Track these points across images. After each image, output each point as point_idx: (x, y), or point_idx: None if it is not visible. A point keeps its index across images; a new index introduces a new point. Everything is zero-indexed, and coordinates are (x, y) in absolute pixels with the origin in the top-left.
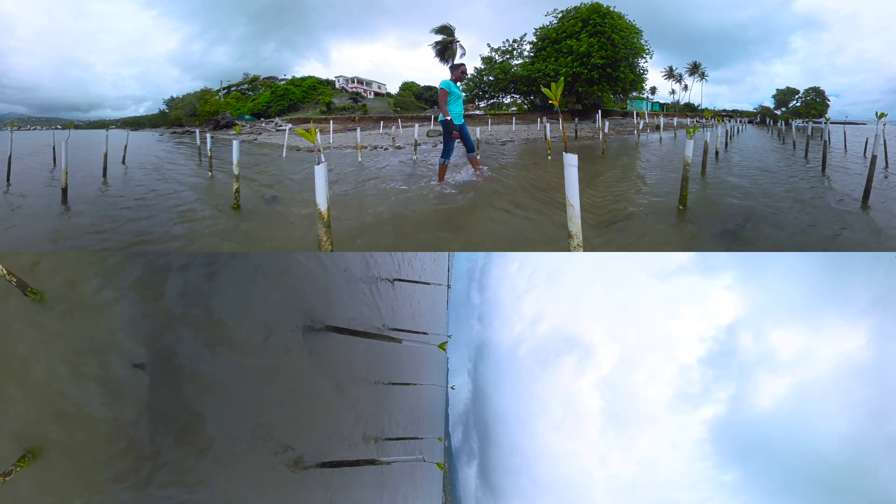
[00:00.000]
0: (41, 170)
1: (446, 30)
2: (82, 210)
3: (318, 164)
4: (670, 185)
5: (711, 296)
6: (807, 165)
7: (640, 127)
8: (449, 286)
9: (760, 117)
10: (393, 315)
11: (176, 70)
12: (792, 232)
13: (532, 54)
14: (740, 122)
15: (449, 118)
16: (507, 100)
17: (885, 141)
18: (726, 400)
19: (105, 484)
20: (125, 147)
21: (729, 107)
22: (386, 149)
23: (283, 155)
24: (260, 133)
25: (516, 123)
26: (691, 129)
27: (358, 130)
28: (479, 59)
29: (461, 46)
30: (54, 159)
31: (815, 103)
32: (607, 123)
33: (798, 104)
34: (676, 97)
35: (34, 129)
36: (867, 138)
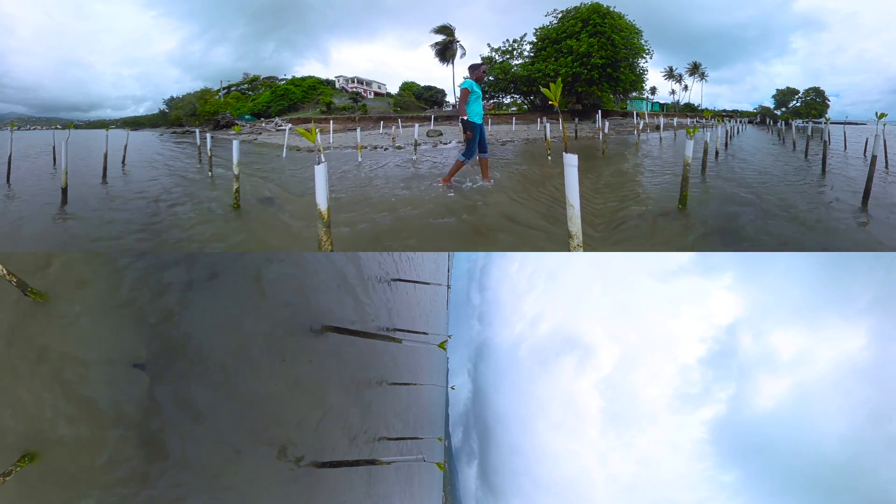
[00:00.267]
0: (41, 170)
1: (446, 30)
2: (82, 210)
3: (319, 164)
4: (670, 185)
5: (711, 296)
6: (807, 165)
7: (640, 127)
8: (449, 286)
9: (760, 117)
10: (393, 315)
11: (176, 70)
12: (792, 232)
13: (532, 54)
14: (740, 122)
15: (466, 117)
16: (507, 100)
17: (885, 141)
18: (726, 400)
19: (105, 484)
20: (125, 147)
21: (729, 107)
22: (386, 149)
23: (283, 155)
24: (260, 133)
25: (516, 123)
26: (691, 130)
27: (358, 130)
28: (479, 58)
29: (461, 46)
30: (54, 159)
31: (815, 103)
32: (607, 123)
33: (798, 104)
34: (676, 97)
35: (34, 129)
36: (867, 138)
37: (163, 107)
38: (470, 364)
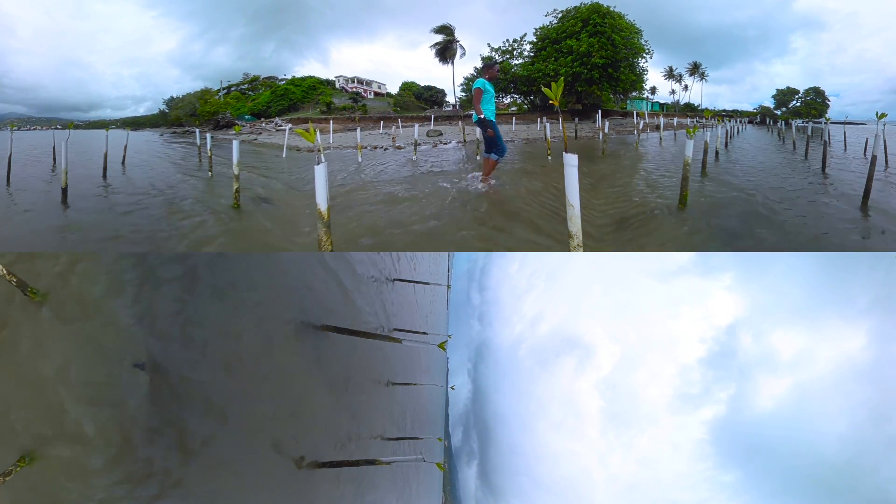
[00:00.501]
0: (41, 170)
1: (446, 30)
2: (82, 210)
3: (318, 164)
4: (670, 185)
5: (711, 296)
6: (807, 165)
7: (640, 127)
8: (449, 286)
9: (760, 117)
10: (393, 315)
11: (176, 70)
12: (792, 232)
13: (532, 54)
14: (740, 122)
15: (483, 116)
16: (508, 100)
17: (884, 141)
18: (726, 400)
19: (105, 484)
20: (125, 147)
21: (729, 107)
22: (386, 149)
23: (283, 155)
24: (260, 133)
25: (516, 123)
26: (691, 130)
27: (358, 130)
28: (480, 58)
29: (461, 46)
30: (54, 159)
31: (815, 103)
32: (607, 123)
33: (798, 104)
34: (676, 97)
35: (34, 129)
36: (867, 138)
37: (163, 107)
38: (470, 364)
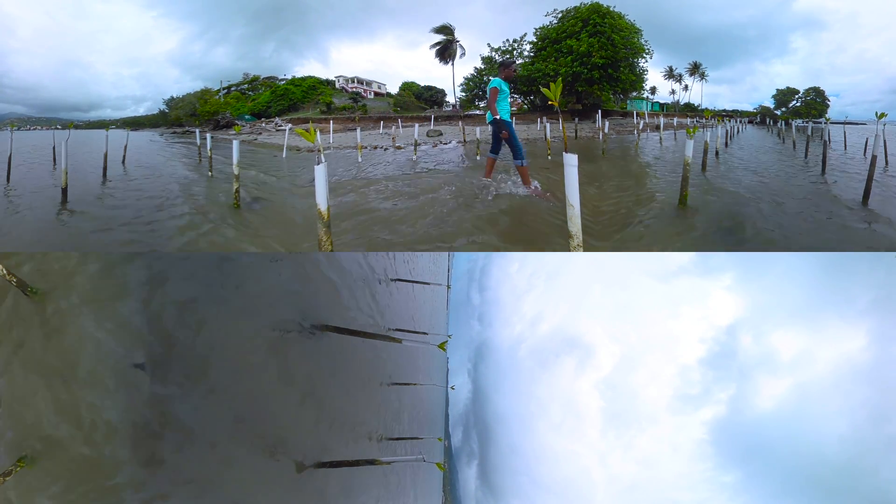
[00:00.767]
0: (41, 170)
1: (446, 30)
2: (82, 210)
3: (318, 164)
4: (670, 184)
5: (711, 296)
6: (807, 165)
7: (640, 127)
8: (449, 286)
9: (760, 117)
10: (393, 315)
11: (176, 70)
12: (792, 232)
13: (532, 54)
14: (740, 122)
15: (498, 117)
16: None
17: (884, 141)
18: (726, 401)
19: (104, 484)
20: (125, 147)
21: (729, 107)
22: (386, 149)
23: (283, 155)
24: (260, 133)
25: (516, 123)
26: (691, 129)
27: (358, 130)
28: (480, 58)
29: (461, 46)
30: (54, 159)
31: (814, 103)
32: (607, 123)
33: (798, 104)
34: (676, 97)
35: (34, 129)
36: (867, 138)
37: (163, 107)
38: (470, 364)
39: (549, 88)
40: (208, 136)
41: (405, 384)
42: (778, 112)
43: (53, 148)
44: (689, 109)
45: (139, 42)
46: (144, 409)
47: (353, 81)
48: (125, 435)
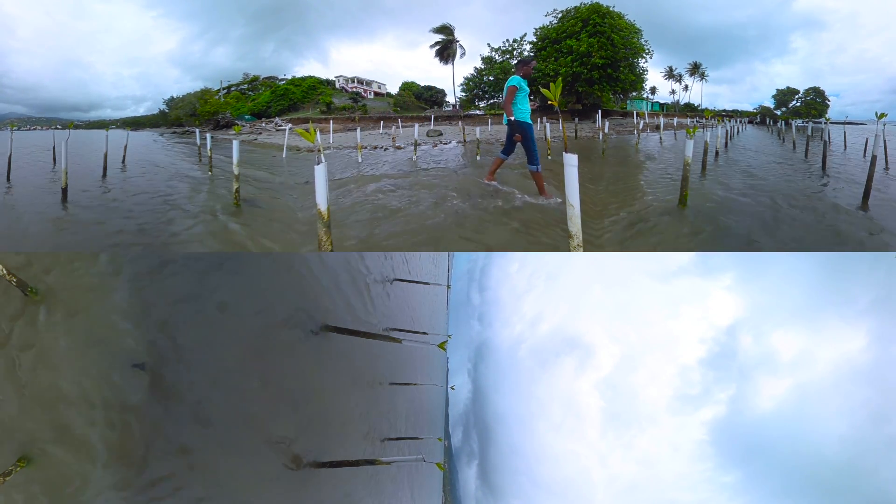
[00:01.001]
0: (41, 170)
1: (446, 30)
2: (82, 210)
3: (318, 164)
4: (670, 185)
5: (711, 297)
6: (807, 165)
7: (640, 127)
8: (449, 286)
9: (760, 117)
10: (393, 315)
11: (176, 70)
12: (792, 232)
13: (532, 54)
14: (740, 122)
15: (513, 118)
16: None
17: (884, 141)
18: (726, 401)
19: (105, 484)
20: (125, 147)
21: (729, 107)
22: (386, 149)
23: (283, 155)
24: (260, 133)
25: None
26: (691, 130)
27: (358, 130)
28: (479, 58)
29: (461, 46)
30: (54, 159)
31: (815, 103)
32: (607, 123)
33: (798, 104)
34: (676, 97)
35: (34, 129)
36: (867, 138)
37: (163, 107)
38: (470, 364)
39: (548, 88)
40: (208, 136)
41: (405, 384)
42: (778, 112)
43: (53, 148)
44: (689, 109)
45: (139, 42)
46: (144, 409)
47: (353, 81)
48: (125, 435)
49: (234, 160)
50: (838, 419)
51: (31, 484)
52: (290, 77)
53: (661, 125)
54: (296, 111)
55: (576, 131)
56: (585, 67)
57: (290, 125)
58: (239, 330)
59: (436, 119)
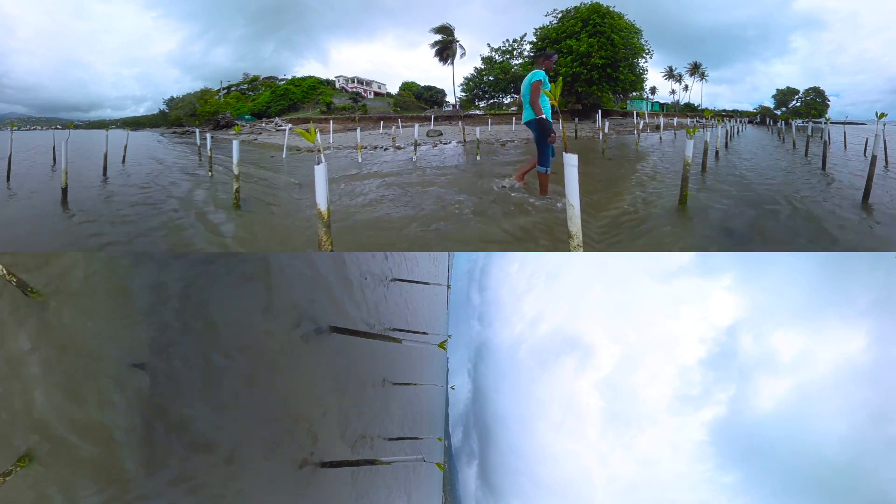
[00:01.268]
0: (41, 170)
1: (446, 30)
2: (82, 210)
3: (318, 164)
4: (670, 185)
5: (711, 297)
6: (807, 165)
7: (640, 127)
8: (449, 286)
9: (760, 117)
10: (393, 315)
11: (176, 70)
12: (792, 232)
13: (532, 54)
14: (740, 122)
15: (543, 116)
16: (508, 100)
17: (885, 141)
18: (727, 401)
19: (105, 484)
20: (125, 147)
21: (729, 107)
22: (386, 149)
23: (283, 155)
24: (260, 133)
25: (516, 123)
26: (691, 129)
27: (358, 130)
28: (480, 59)
29: (461, 46)
30: (54, 159)
31: (815, 103)
32: (607, 123)
33: (798, 104)
34: (676, 97)
35: (34, 129)
36: (867, 138)
37: (163, 107)
38: (470, 364)
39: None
40: (208, 136)
41: (405, 384)
42: (778, 112)
43: (53, 148)
44: (689, 109)
45: (139, 42)
46: (144, 410)
47: (353, 81)
48: (125, 435)
49: (234, 160)
50: (838, 419)
51: (32, 484)
52: (290, 77)
53: (661, 125)
54: (296, 111)
55: (576, 131)
56: (585, 67)
57: (290, 125)
58: (239, 330)
59: (436, 119)
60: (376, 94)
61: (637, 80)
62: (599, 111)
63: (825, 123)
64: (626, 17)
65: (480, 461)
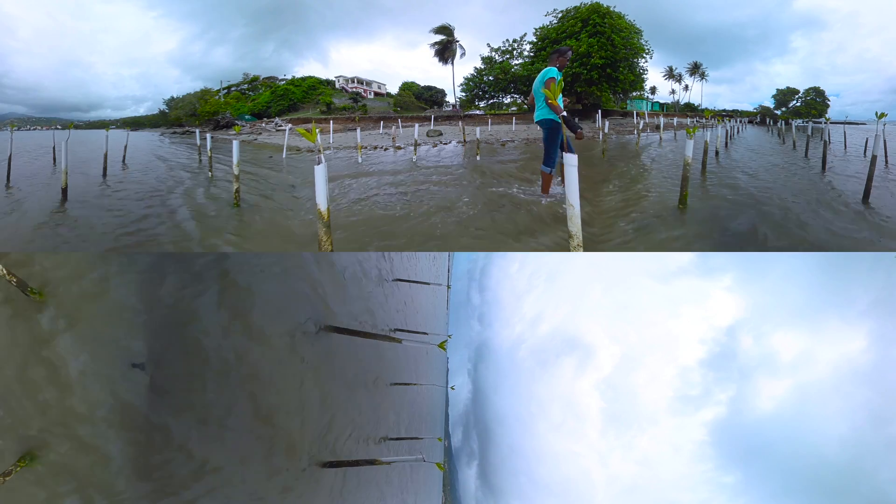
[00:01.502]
0: (41, 170)
1: (445, 30)
2: (82, 210)
3: (318, 164)
4: (670, 185)
5: (711, 297)
6: (807, 165)
7: (640, 127)
8: (449, 286)
9: (760, 117)
10: (393, 315)
11: (176, 70)
12: (792, 232)
13: (532, 54)
14: (740, 121)
15: (564, 115)
16: (508, 100)
17: (884, 141)
18: (727, 402)
19: (104, 484)
20: (125, 147)
21: (729, 107)
22: (386, 149)
23: (283, 155)
24: (260, 133)
25: (516, 123)
26: (691, 129)
27: (358, 131)
28: (479, 58)
29: (461, 46)
30: (54, 159)
31: (815, 103)
32: (607, 123)
33: (798, 104)
34: (676, 97)
35: (34, 130)
36: (867, 138)
37: (163, 107)
38: (470, 364)
39: (548, 88)
40: (208, 136)
41: (405, 384)
42: (778, 112)
43: (53, 148)
44: (689, 109)
45: (139, 42)
46: (143, 410)
47: (353, 81)
48: (125, 435)
49: (234, 160)
50: (838, 420)
51: (32, 483)
52: (290, 77)
53: (661, 125)
54: (296, 111)
55: None
56: (585, 68)
57: (290, 125)
58: (239, 330)
59: (436, 119)
60: (376, 94)
61: (637, 80)
62: (599, 111)
63: (825, 123)
64: (626, 17)
65: (480, 461)
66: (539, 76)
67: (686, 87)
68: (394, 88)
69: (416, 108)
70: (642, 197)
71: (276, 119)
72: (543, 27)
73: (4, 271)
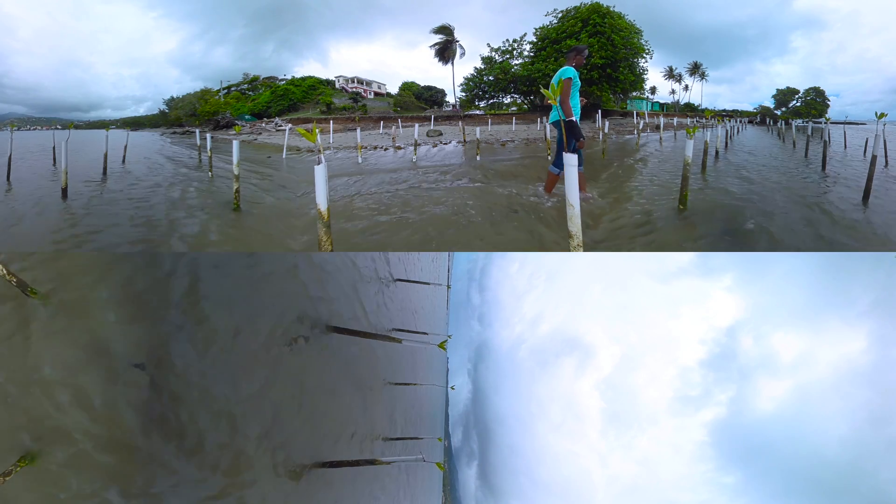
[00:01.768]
0: (41, 170)
1: (445, 30)
2: (82, 210)
3: (318, 164)
4: (670, 185)
5: (712, 297)
6: (807, 165)
7: (640, 127)
8: (449, 286)
9: (760, 117)
10: (393, 315)
11: (176, 70)
12: (792, 232)
13: (532, 54)
14: (740, 122)
15: (573, 118)
16: (507, 100)
17: (885, 141)
18: (727, 402)
19: (103, 485)
20: (125, 147)
21: (729, 107)
22: (386, 149)
23: (283, 155)
24: (260, 133)
25: (516, 123)
26: (691, 129)
27: (358, 131)
28: (479, 58)
29: (460, 46)
30: (54, 159)
31: (815, 103)
32: (607, 123)
33: (798, 104)
34: (676, 97)
35: (34, 130)
36: (867, 138)
37: (163, 107)
38: (470, 364)
39: (548, 88)
40: (208, 136)
41: (405, 384)
42: (778, 112)
43: (53, 148)
44: (690, 109)
45: (139, 42)
46: (144, 410)
47: (352, 81)
48: (124, 436)
49: (235, 160)
50: (838, 421)
51: (32, 484)
52: (290, 77)
53: (662, 125)
54: (296, 111)
55: None
56: (585, 68)
57: (290, 125)
58: (239, 330)
59: (436, 119)
60: (376, 94)
61: (637, 80)
62: (599, 111)
63: (825, 123)
64: (626, 17)
65: (480, 461)
66: (555, 76)
67: (686, 87)
68: (394, 88)
69: (416, 108)
70: (642, 196)
71: (276, 119)
72: (543, 27)
73: (4, 271)
